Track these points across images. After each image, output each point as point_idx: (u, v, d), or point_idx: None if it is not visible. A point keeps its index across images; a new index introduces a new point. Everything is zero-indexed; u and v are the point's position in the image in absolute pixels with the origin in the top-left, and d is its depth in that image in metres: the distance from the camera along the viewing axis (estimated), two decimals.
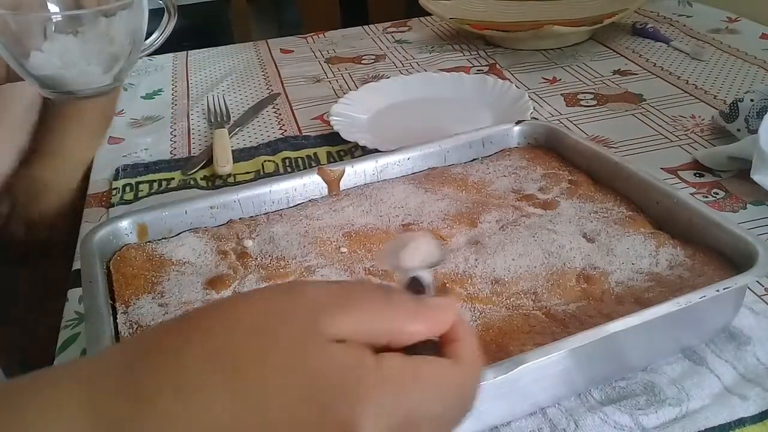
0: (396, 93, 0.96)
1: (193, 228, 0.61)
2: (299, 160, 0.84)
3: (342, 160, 0.83)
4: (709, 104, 0.90)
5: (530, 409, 0.48)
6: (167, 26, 0.63)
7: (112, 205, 0.77)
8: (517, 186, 0.65)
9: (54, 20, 0.56)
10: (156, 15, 0.63)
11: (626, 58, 1.08)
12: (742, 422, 0.46)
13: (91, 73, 0.57)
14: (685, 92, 0.95)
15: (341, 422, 0.27)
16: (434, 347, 0.32)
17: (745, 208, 0.68)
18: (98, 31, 0.56)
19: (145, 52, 0.63)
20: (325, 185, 0.65)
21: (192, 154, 0.87)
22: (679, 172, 0.75)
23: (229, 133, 0.90)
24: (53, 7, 0.57)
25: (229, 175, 0.81)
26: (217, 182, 0.81)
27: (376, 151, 0.76)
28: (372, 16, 2.04)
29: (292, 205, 0.65)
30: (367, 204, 0.63)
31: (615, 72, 1.03)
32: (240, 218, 0.63)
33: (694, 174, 0.75)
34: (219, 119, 0.95)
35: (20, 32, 0.55)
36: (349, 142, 0.83)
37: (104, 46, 0.57)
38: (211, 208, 0.62)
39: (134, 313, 0.51)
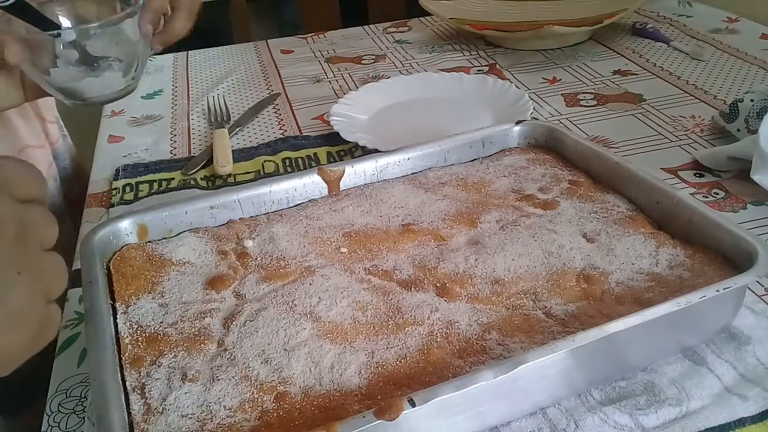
0: (396, 93, 0.96)
1: (193, 228, 0.61)
2: (299, 160, 0.84)
3: (342, 160, 0.83)
4: (709, 104, 0.90)
5: (530, 409, 0.48)
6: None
7: (112, 205, 0.77)
8: (517, 186, 0.65)
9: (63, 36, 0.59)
10: None
11: (626, 58, 1.08)
12: (742, 422, 0.46)
13: (112, 78, 0.61)
14: (685, 92, 0.95)
15: None
16: None
17: (745, 208, 0.69)
18: (105, 42, 0.60)
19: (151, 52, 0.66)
20: (325, 185, 0.65)
21: (192, 154, 0.87)
22: (679, 172, 0.75)
23: (229, 133, 0.90)
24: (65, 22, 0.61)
25: (229, 175, 0.81)
26: (217, 182, 0.81)
27: (376, 151, 0.76)
28: (372, 16, 2.04)
29: (292, 205, 0.65)
30: (367, 204, 0.63)
31: (615, 72, 1.03)
32: (240, 218, 0.63)
33: (694, 174, 0.75)
34: (219, 119, 0.95)
35: (37, 50, 0.58)
36: (349, 142, 0.83)
37: (112, 53, 0.60)
38: (211, 208, 0.62)
39: (134, 313, 0.51)
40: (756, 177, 0.68)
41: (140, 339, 0.49)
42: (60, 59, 0.59)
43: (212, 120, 0.95)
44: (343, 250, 0.58)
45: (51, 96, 0.64)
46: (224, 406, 0.44)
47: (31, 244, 0.34)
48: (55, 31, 0.59)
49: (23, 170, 0.35)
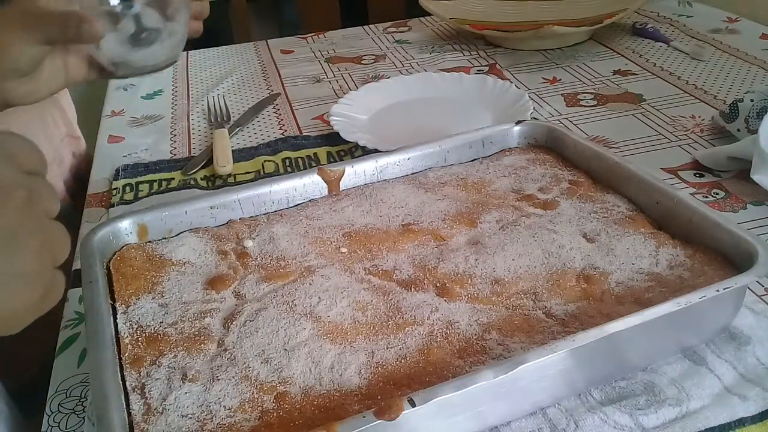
0: (396, 93, 0.96)
1: (193, 228, 0.61)
2: (299, 160, 0.84)
3: (342, 160, 0.83)
4: (709, 104, 0.90)
5: (530, 409, 0.48)
6: None
7: (112, 205, 0.77)
8: (517, 186, 0.65)
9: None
10: None
11: (626, 58, 1.08)
12: (742, 422, 0.46)
13: (161, 48, 0.63)
14: (685, 92, 0.95)
15: None
16: None
17: (745, 208, 0.68)
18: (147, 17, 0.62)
19: None
20: (325, 185, 0.65)
21: (192, 154, 0.87)
22: (679, 172, 0.75)
23: (229, 133, 0.90)
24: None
25: (229, 175, 0.81)
26: (217, 182, 0.81)
27: (376, 151, 0.76)
28: (372, 16, 2.04)
29: (292, 205, 0.65)
30: (367, 204, 0.63)
31: (615, 72, 1.03)
32: (240, 218, 0.63)
33: (694, 174, 0.75)
34: (219, 119, 0.95)
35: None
36: (349, 142, 0.83)
37: (155, 23, 0.62)
38: (211, 208, 0.62)
39: (134, 313, 0.51)
40: (756, 177, 0.68)
41: (140, 339, 0.49)
42: (118, 32, 0.60)
43: (212, 120, 0.95)
44: (343, 250, 0.58)
45: (94, 78, 0.65)
46: (224, 406, 0.44)
47: (37, 211, 0.36)
48: (127, 3, 0.60)
49: (27, 144, 0.37)
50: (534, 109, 0.88)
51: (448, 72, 1.01)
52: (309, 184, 0.65)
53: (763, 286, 0.58)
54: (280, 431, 0.42)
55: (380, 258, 0.57)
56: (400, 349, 0.47)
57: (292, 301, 0.51)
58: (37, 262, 0.36)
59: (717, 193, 0.71)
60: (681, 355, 0.51)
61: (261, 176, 0.81)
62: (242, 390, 0.45)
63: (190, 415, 0.43)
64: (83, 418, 0.52)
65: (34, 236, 0.35)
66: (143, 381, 0.46)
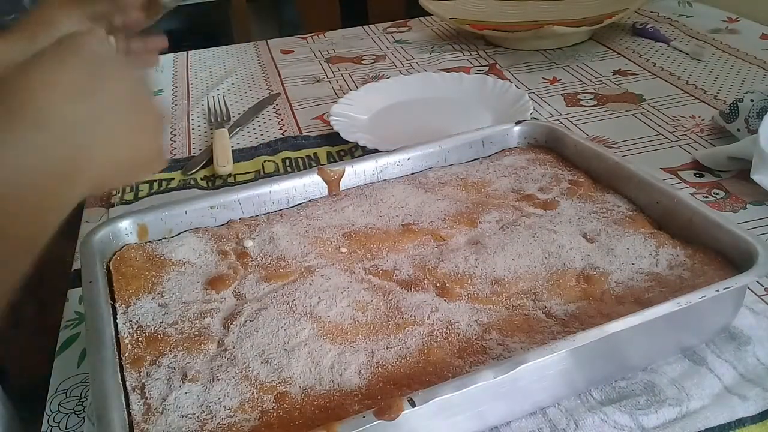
0: (396, 93, 0.96)
1: (193, 228, 0.61)
2: (299, 160, 0.84)
3: (342, 160, 0.83)
4: (709, 104, 0.90)
5: (530, 409, 0.48)
6: None
7: (112, 205, 0.77)
8: (517, 186, 0.65)
9: None
10: None
11: (626, 58, 1.08)
12: (742, 422, 0.46)
13: None
14: (685, 92, 0.95)
15: None
16: None
17: (745, 208, 0.68)
18: None
19: None
20: (325, 185, 0.65)
21: (192, 154, 0.87)
22: (679, 172, 0.75)
23: (229, 133, 0.90)
24: None
25: (229, 175, 0.81)
26: (217, 182, 0.81)
27: (376, 151, 0.76)
28: (372, 16, 2.04)
29: (292, 205, 0.65)
30: (367, 204, 0.63)
31: (615, 72, 1.03)
32: (240, 218, 0.63)
33: (694, 174, 0.75)
34: (219, 119, 0.95)
35: None
36: (349, 142, 0.83)
37: None
38: (211, 208, 0.62)
39: (134, 313, 0.51)
40: (756, 177, 0.68)
41: (140, 339, 0.49)
42: None
43: (212, 120, 0.95)
44: (343, 250, 0.58)
45: None
46: (224, 406, 0.44)
47: (148, 86, 0.47)
48: None
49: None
50: (534, 109, 0.88)
51: (448, 72, 1.01)
52: (309, 184, 0.65)
53: (763, 286, 0.58)
54: (280, 431, 0.42)
55: (380, 258, 0.57)
56: (400, 349, 0.47)
57: (292, 301, 0.52)
58: (156, 120, 0.45)
59: (717, 193, 0.71)
60: (681, 355, 0.51)
61: (261, 176, 0.81)
62: (242, 390, 0.45)
63: (190, 415, 0.43)
64: (83, 418, 0.52)
65: (150, 102, 0.45)
66: (143, 381, 0.46)
